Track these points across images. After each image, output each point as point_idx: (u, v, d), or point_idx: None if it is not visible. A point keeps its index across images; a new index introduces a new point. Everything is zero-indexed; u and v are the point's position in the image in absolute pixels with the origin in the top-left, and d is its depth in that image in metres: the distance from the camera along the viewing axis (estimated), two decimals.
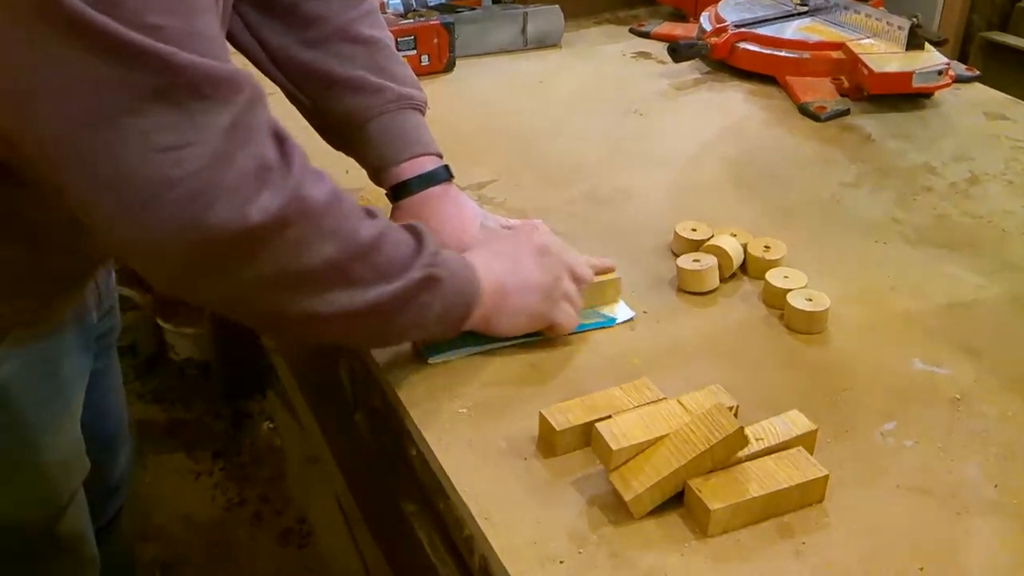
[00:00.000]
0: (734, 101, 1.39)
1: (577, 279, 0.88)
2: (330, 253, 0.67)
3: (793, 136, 1.30)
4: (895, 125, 1.33)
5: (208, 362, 2.00)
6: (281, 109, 0.84)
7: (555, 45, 1.53)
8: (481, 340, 0.85)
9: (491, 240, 0.88)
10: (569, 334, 0.89)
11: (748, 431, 0.72)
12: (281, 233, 0.64)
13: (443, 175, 0.95)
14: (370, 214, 0.72)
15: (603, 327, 0.91)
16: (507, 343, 0.86)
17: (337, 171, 1.14)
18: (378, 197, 0.97)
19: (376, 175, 0.96)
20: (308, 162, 0.67)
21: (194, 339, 2.01)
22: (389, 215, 0.96)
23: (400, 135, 0.94)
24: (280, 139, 0.65)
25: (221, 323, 1.88)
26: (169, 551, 1.70)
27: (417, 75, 0.97)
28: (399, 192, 0.94)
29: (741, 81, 1.44)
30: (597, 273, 0.93)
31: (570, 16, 1.57)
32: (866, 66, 1.35)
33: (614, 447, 0.71)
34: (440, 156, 0.96)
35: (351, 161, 0.99)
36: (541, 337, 0.87)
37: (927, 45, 1.40)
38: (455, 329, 0.80)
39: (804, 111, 1.35)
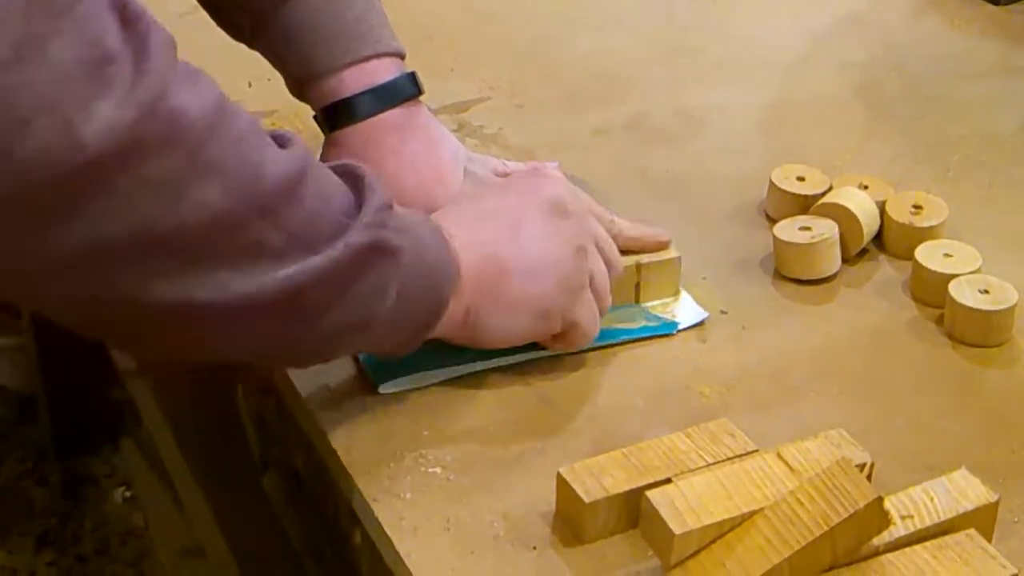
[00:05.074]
0: None
1: (607, 259, 0.88)
2: (215, 201, 0.66)
3: (957, 30, 1.31)
4: None
5: (32, 395, 2.00)
6: None
7: None
8: (458, 356, 0.86)
9: (475, 194, 0.88)
10: (595, 347, 0.88)
11: (889, 504, 0.72)
12: (134, 167, 0.63)
13: (408, 90, 0.95)
14: (281, 141, 0.72)
15: (657, 336, 0.91)
16: (496, 361, 0.86)
17: (235, 81, 1.14)
18: (299, 128, 0.95)
19: (300, 88, 0.96)
20: (176, 54, 0.66)
21: (7, 357, 2.00)
22: (321, 153, 0.96)
23: (338, 23, 0.94)
24: (128, 14, 0.64)
25: (52, 332, 1.85)
26: None
27: None
28: (338, 117, 0.94)
29: None
30: (642, 248, 0.93)
31: None
32: None
33: (677, 530, 0.71)
34: (402, 58, 0.96)
35: (260, 65, 0.98)
36: (546, 353, 0.87)
37: None
38: (419, 335, 0.80)
39: None
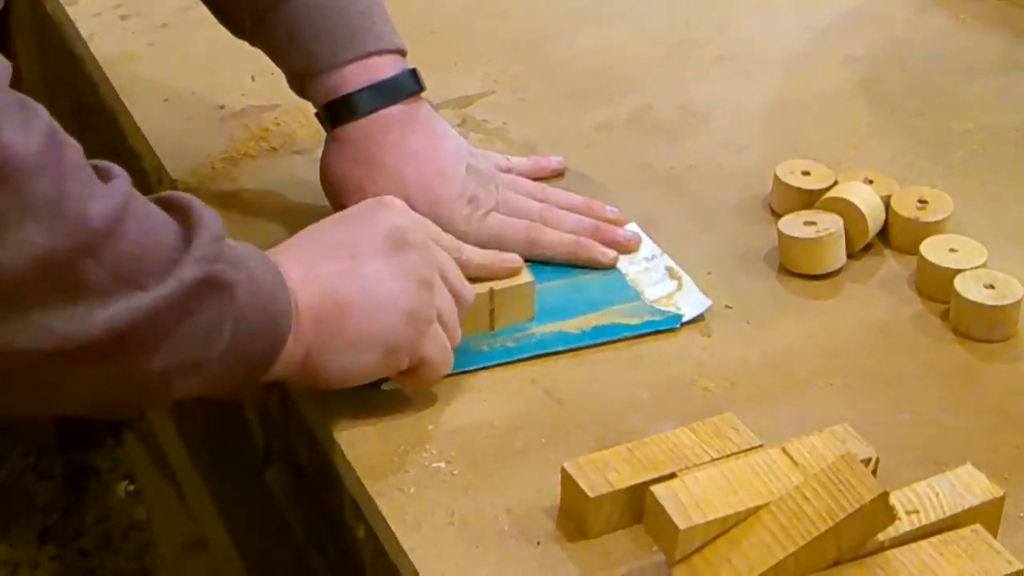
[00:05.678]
0: None
1: (454, 290, 0.84)
2: (39, 240, 0.63)
3: (963, 25, 1.31)
4: None
5: None
6: None
7: None
8: (462, 353, 0.85)
9: (310, 228, 0.85)
10: (598, 343, 0.89)
11: (895, 499, 0.72)
12: None
13: (409, 86, 0.95)
14: (103, 173, 0.69)
15: (661, 330, 0.91)
16: (500, 359, 0.87)
17: (238, 76, 1.14)
18: (303, 122, 0.95)
19: (301, 84, 0.96)
20: (8, 84, 0.64)
21: None
22: (323, 149, 0.96)
23: (340, 19, 0.94)
24: None
25: None
26: None
27: None
28: (339, 113, 0.94)
29: None
30: (493, 275, 0.90)
31: None
32: None
33: (681, 524, 0.70)
34: (404, 54, 0.96)
35: (263, 59, 0.98)
36: (559, 348, 0.88)
37: None
38: (254, 377, 0.77)
39: None
